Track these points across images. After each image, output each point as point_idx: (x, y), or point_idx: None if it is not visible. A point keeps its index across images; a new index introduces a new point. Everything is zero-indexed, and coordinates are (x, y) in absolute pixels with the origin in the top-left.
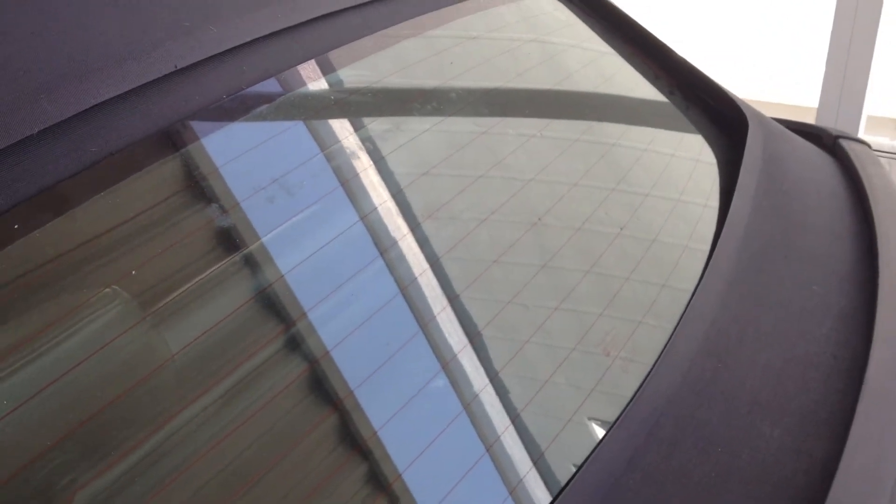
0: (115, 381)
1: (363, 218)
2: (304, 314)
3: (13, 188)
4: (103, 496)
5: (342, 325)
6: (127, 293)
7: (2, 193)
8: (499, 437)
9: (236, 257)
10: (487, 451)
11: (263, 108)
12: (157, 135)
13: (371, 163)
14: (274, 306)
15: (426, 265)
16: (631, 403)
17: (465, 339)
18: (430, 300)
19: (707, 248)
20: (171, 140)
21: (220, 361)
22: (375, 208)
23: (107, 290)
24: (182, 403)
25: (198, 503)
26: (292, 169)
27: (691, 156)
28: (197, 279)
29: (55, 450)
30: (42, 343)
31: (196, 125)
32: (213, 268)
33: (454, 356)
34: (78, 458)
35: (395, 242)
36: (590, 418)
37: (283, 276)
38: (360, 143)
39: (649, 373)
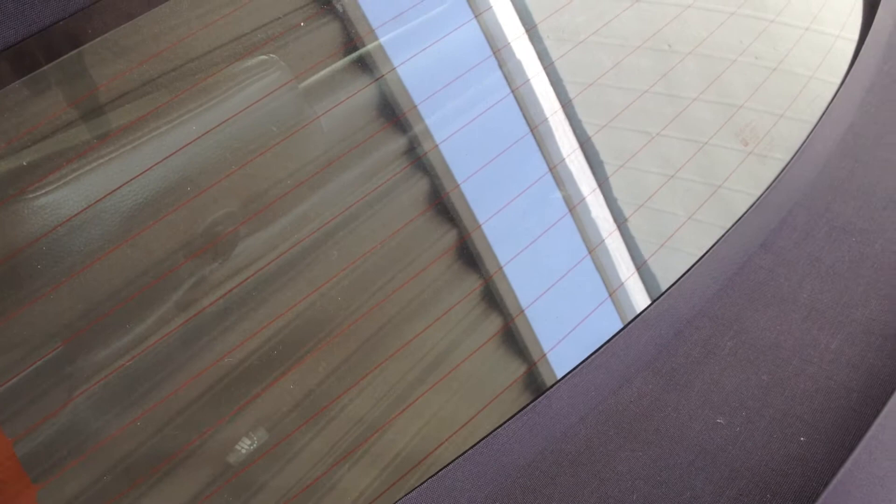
0: (271, 135)
1: (477, 17)
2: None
3: None
4: (259, 237)
5: (453, 125)
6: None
7: None
8: (634, 215)
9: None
10: (626, 224)
11: None
12: None
13: None
14: (404, 90)
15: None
16: (766, 192)
17: (602, 124)
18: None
19: (850, 53)
20: None
21: (360, 126)
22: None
23: (265, 56)
24: (327, 158)
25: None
26: None
27: None
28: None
29: (220, 188)
30: (215, 95)
31: None
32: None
33: (587, 140)
34: (239, 204)
35: (507, 46)
36: (724, 203)
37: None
38: None
39: (786, 165)
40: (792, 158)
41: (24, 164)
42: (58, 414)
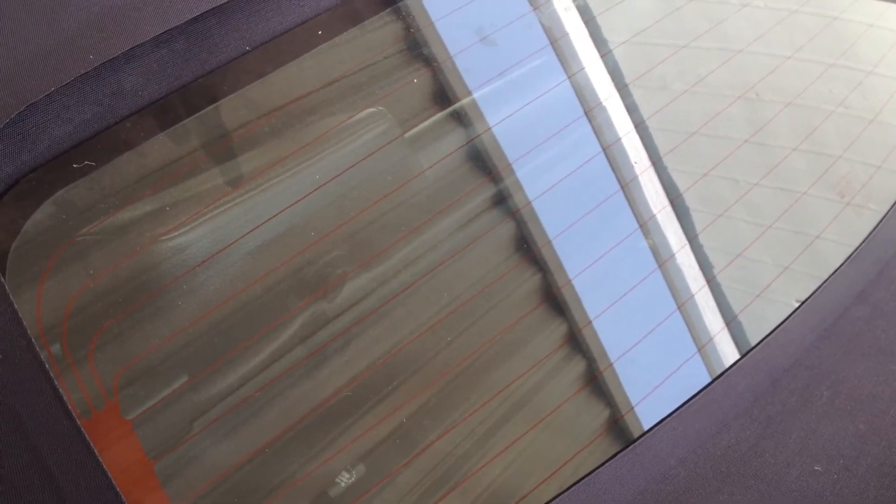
0: (380, 185)
1: (570, 77)
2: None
3: None
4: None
5: (549, 180)
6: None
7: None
8: (730, 265)
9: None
10: (721, 274)
11: None
12: None
13: (580, 24)
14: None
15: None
16: (863, 243)
17: (696, 177)
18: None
19: None
20: None
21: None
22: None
23: (374, 109)
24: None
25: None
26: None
27: None
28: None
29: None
30: (322, 149)
31: None
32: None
33: (682, 193)
34: (354, 249)
35: (600, 105)
36: (820, 254)
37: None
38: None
39: (883, 216)
40: (889, 210)
41: (167, 208)
42: (192, 440)
